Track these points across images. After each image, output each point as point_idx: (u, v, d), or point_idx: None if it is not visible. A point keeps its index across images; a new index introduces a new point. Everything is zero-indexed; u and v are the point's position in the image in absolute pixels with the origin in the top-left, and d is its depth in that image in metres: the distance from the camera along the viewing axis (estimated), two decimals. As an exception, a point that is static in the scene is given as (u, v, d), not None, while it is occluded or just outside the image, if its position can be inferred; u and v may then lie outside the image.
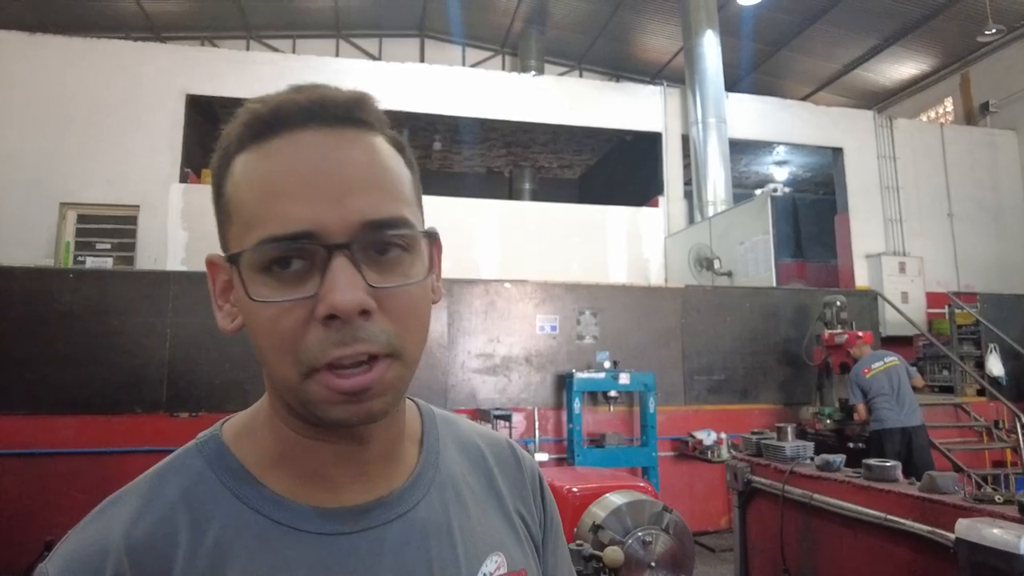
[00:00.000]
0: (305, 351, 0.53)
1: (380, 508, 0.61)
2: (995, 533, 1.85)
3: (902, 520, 2.22)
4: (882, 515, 2.30)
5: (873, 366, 5.53)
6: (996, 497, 2.05)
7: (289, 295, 0.53)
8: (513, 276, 7.32)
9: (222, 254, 0.58)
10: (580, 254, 9.24)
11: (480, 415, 6.65)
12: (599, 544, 1.73)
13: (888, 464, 2.48)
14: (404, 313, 0.56)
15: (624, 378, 6.64)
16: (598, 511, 2.09)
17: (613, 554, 1.50)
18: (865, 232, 9.22)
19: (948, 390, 7.30)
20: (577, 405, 6.56)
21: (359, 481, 0.61)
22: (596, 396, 6.92)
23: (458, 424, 0.75)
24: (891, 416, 5.20)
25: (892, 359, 5.57)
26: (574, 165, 12.70)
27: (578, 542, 1.64)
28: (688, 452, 6.52)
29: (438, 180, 12.13)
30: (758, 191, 9.93)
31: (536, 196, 11.85)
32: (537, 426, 6.75)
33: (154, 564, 0.53)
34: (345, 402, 0.54)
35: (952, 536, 1.99)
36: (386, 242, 0.55)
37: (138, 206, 8.13)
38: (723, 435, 6.35)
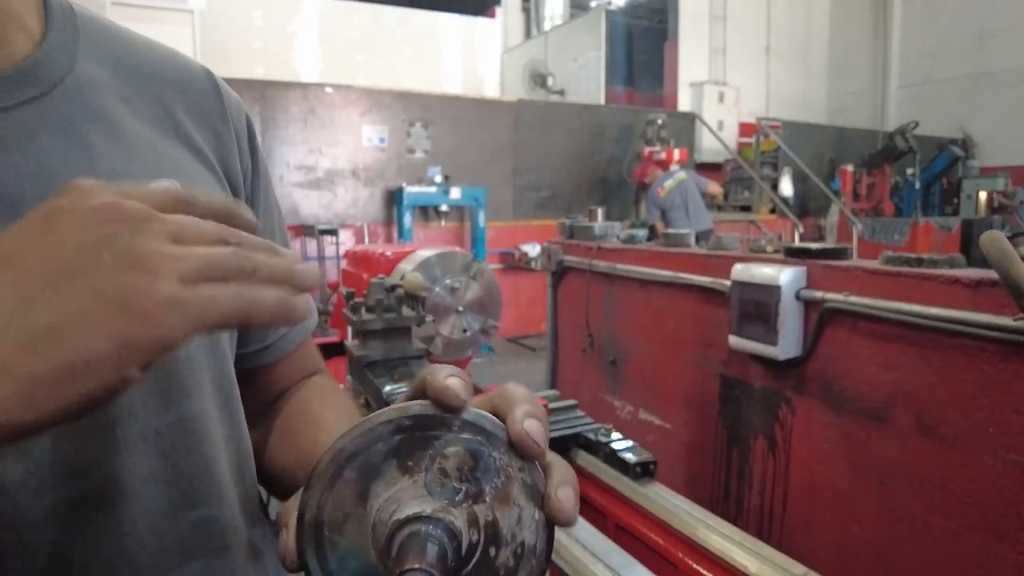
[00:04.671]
0: None
1: None
2: (762, 271, 2.05)
3: (690, 276, 2.41)
4: (674, 274, 2.48)
5: (665, 184, 5.91)
6: (767, 248, 2.28)
7: None
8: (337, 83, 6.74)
9: None
10: (412, 65, 8.69)
11: (304, 231, 6.36)
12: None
13: (683, 232, 2.66)
14: None
15: (455, 193, 6.59)
16: (406, 266, 2.04)
17: (413, 279, 1.45)
18: (691, 60, 9.47)
19: (747, 209, 8.08)
20: (408, 220, 6.46)
21: None
22: (427, 211, 6.85)
23: (118, 33, 0.53)
24: (682, 226, 5.66)
25: (681, 174, 5.98)
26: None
27: (380, 276, 1.57)
28: (515, 264, 6.77)
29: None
30: (594, 3, 9.76)
31: None
32: (367, 242, 6.62)
33: None
34: None
35: (728, 282, 2.19)
36: None
37: None
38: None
